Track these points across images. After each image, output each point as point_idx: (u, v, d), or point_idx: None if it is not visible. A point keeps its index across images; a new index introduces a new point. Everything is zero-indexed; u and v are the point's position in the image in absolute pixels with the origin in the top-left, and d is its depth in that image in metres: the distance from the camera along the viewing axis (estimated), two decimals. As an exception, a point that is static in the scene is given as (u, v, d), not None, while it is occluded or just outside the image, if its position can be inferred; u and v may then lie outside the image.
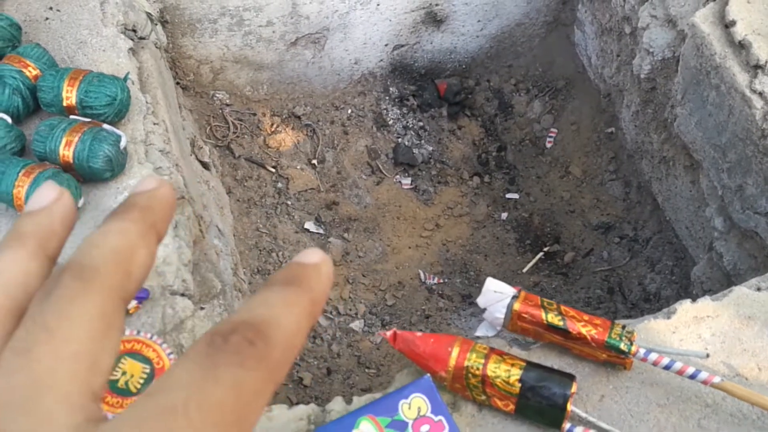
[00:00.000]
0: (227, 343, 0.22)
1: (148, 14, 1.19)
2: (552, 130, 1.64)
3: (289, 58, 1.50)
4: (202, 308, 0.95)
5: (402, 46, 1.56)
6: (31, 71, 1.05)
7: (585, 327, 0.86)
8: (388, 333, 0.89)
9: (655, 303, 1.43)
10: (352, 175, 1.56)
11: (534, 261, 1.54)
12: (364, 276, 1.47)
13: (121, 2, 1.21)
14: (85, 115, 1.02)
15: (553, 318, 0.88)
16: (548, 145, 1.64)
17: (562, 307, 0.89)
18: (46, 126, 0.99)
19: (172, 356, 0.86)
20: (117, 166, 0.99)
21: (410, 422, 0.81)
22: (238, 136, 1.52)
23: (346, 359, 1.37)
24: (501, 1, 1.55)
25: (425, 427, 0.81)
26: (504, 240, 1.56)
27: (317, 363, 1.36)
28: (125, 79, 1.05)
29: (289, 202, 1.52)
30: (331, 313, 1.41)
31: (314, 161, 1.56)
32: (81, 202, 0.98)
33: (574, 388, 0.80)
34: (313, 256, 0.27)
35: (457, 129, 1.64)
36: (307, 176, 1.54)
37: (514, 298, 0.89)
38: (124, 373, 0.84)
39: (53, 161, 0.98)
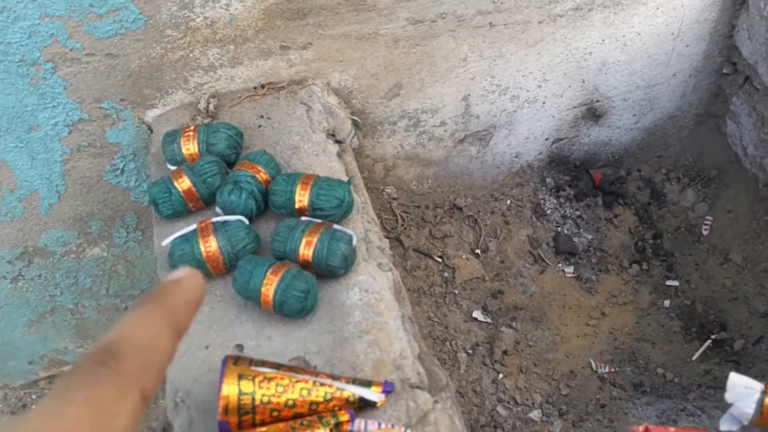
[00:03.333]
0: (80, 368, 0.26)
1: (355, 121, 1.29)
2: (707, 217, 1.66)
3: (455, 154, 1.58)
4: (436, 402, 0.98)
5: (561, 139, 1.63)
6: (262, 176, 1.14)
7: None
8: (640, 428, 0.90)
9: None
10: (516, 264, 1.60)
11: (702, 349, 1.53)
12: (535, 365, 1.49)
13: (323, 109, 1.32)
14: (314, 216, 1.10)
15: (805, 414, 0.89)
16: (704, 233, 1.65)
17: (811, 403, 0.91)
18: (285, 227, 1.07)
19: (425, 449, 0.90)
20: (350, 263, 1.06)
21: None
22: (405, 228, 1.59)
23: (528, 449, 1.38)
24: (656, 96, 1.62)
25: None
26: (669, 327, 1.56)
27: (500, 453, 1.37)
28: (349, 182, 1.13)
29: (456, 291, 1.56)
30: (508, 402, 1.43)
31: (477, 251, 1.61)
32: (319, 297, 1.04)
33: None
34: (176, 273, 0.32)
35: (614, 217, 1.68)
36: (472, 266, 1.59)
37: (764, 393, 0.90)
38: (386, 466, 0.87)
39: (292, 259, 1.06)
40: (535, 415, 1.41)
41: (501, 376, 1.45)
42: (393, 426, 0.91)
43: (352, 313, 1.05)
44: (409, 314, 1.19)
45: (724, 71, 1.60)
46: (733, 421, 0.95)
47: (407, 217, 1.60)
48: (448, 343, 1.48)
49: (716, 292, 1.61)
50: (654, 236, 1.68)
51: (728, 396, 0.93)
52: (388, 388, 0.96)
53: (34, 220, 1.37)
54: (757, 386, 0.92)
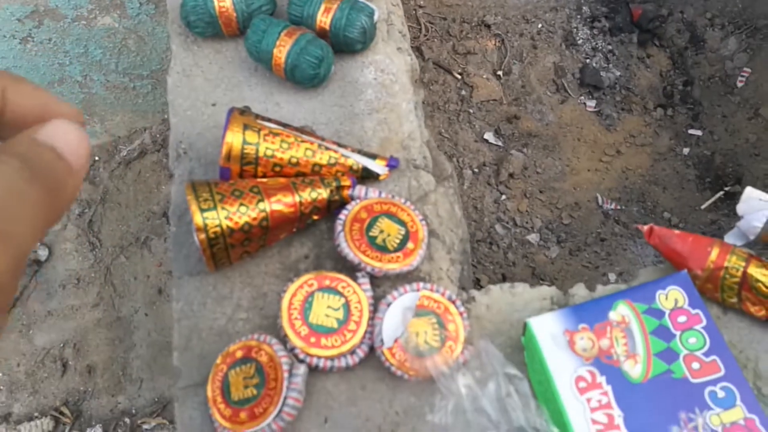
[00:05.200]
0: None
1: None
2: (745, 69, 1.58)
3: (492, -36, 1.48)
4: (438, 186, 0.97)
5: (607, -37, 1.52)
6: (286, -61, 1.06)
7: None
8: (645, 227, 0.89)
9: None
10: (537, 91, 1.54)
11: (713, 199, 1.51)
12: (541, 192, 1.47)
13: None
14: (337, -14, 1.04)
15: (813, 233, 0.87)
16: (739, 84, 1.58)
17: (822, 224, 0.89)
18: (305, -8, 1.01)
19: (423, 222, 0.89)
20: (368, 38, 1.01)
21: (667, 311, 0.82)
22: (428, 39, 1.52)
23: (521, 269, 1.39)
24: (719, -75, 1.49)
25: (682, 318, 0.81)
26: (684, 175, 1.53)
27: (493, 268, 1.39)
28: (378, -46, 1.05)
29: (471, 111, 1.52)
30: (507, 223, 1.43)
31: (500, 72, 1.55)
32: (332, 70, 1.00)
33: (842, 301, 0.80)
34: (49, 130, 0.29)
35: (646, 57, 1.60)
36: (491, 86, 1.53)
37: (776, 208, 0.88)
38: (381, 232, 0.87)
39: (309, 26, 1.00)
40: (532, 238, 1.42)
41: (504, 197, 1.44)
42: (394, 197, 0.90)
43: (364, 90, 1.01)
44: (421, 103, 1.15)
45: None
46: (739, 236, 0.94)
47: (432, 27, 1.53)
48: (455, 160, 1.46)
49: (738, 147, 1.56)
50: (685, 83, 1.61)
51: (740, 208, 0.91)
52: (392, 163, 0.94)
53: (44, -26, 1.31)
54: (772, 200, 0.89)
